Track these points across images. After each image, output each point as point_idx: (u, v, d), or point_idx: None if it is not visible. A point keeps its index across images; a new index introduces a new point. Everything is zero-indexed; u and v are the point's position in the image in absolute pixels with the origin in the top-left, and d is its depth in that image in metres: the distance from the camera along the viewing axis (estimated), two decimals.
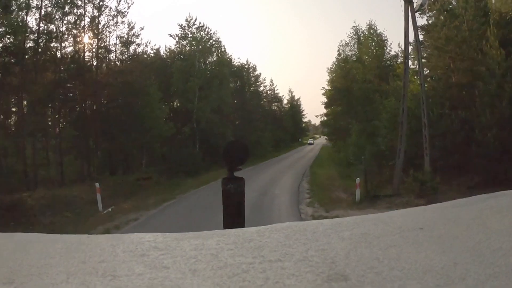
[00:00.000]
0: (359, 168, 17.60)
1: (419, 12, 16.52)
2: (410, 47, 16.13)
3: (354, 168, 20.30)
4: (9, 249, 1.21)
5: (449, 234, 1.19)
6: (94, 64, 21.68)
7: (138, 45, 23.36)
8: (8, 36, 16.93)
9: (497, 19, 15.35)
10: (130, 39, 22.51)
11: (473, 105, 14.94)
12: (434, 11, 18.52)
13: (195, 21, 28.15)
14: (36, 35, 18.43)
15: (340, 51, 30.50)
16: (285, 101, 49.34)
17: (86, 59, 21.27)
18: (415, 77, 18.41)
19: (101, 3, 20.91)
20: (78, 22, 20.32)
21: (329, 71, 33.20)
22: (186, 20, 28.07)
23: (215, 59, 29.58)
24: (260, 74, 39.68)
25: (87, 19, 20.69)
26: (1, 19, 16.43)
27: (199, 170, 23.34)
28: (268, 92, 43.32)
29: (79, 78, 20.21)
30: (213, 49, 29.39)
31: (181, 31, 28.24)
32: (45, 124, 19.11)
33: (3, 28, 16.67)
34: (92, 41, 21.19)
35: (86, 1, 20.36)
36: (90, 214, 13.53)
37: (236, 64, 35.04)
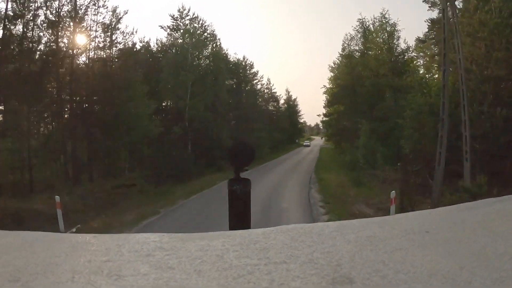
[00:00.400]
0: (370, 173, 16.18)
1: None
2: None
3: (364, 172, 18.57)
4: (15, 247, 1.22)
5: (455, 237, 1.19)
6: (70, 53, 18.83)
7: (123, 33, 20.62)
8: None
9: None
10: (112, 25, 19.87)
11: None
12: None
13: (188, 11, 25.84)
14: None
15: (345, 45, 28.34)
16: (281, 101, 48.09)
17: (61, 47, 18.46)
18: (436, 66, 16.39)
19: None
20: (49, 4, 17.81)
21: (330, 68, 31.29)
22: (179, 10, 25.75)
23: (209, 53, 27.36)
24: (258, 71, 37.08)
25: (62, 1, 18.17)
26: None
27: (191, 175, 21.18)
28: (265, 91, 41.47)
29: (52, 69, 17.95)
30: (208, 43, 27.11)
31: (173, 22, 25.80)
32: (18, 123, 16.60)
33: None
34: (67, 26, 18.60)
35: None
36: None
37: (232, 60, 32.62)
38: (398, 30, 24.13)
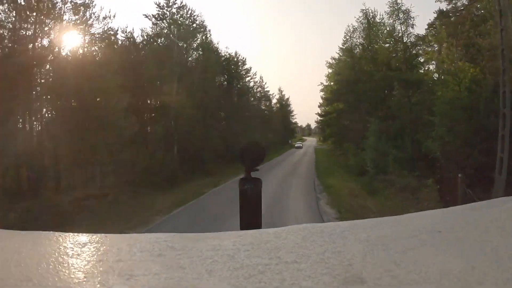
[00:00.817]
0: (382, 179, 14.49)
1: None
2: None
3: (375, 178, 16.76)
4: (27, 247, 1.22)
5: (467, 237, 1.20)
6: (29, 34, 16.43)
7: (97, 17, 18.11)
8: None
9: None
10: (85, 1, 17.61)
11: None
12: None
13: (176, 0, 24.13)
14: None
15: (347, 37, 26.28)
16: (274, 101, 46.87)
17: (17, 28, 16.12)
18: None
19: None
20: None
21: (328, 64, 29.18)
22: None
23: (198, 44, 25.63)
24: (251, 68, 34.44)
25: None
26: None
27: (176, 181, 18.97)
28: (258, 89, 39.43)
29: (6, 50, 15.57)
30: (197, 34, 25.43)
31: (158, 11, 23.99)
32: None
33: None
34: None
35: None
36: None
37: (223, 55, 30.52)
38: (412, 18, 21.87)
